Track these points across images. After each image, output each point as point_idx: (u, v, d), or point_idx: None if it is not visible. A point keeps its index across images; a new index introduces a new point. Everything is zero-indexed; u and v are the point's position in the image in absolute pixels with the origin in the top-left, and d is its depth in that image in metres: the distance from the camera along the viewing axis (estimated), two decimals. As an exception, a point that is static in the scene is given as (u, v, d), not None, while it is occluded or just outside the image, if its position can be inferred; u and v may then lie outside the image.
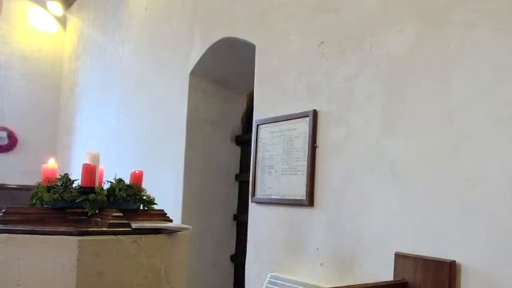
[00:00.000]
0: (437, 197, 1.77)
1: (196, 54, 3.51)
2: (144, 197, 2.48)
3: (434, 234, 1.77)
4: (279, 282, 2.43)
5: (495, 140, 1.61)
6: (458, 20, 1.79)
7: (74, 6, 6.46)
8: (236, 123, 3.81)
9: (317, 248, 2.31)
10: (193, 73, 3.57)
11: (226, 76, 3.65)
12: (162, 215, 2.51)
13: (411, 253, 1.80)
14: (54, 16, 6.58)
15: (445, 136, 1.77)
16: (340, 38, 2.31)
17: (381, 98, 2.05)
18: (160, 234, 2.25)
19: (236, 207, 3.77)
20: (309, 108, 2.43)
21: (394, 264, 1.84)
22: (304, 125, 2.47)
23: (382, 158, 2.01)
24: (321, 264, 2.27)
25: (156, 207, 2.54)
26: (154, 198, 2.53)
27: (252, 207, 2.83)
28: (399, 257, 1.83)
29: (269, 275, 2.52)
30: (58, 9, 6.48)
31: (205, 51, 3.41)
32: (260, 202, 2.77)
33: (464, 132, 1.71)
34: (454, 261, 1.65)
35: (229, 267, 3.73)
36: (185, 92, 3.60)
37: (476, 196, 1.64)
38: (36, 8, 6.46)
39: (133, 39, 4.60)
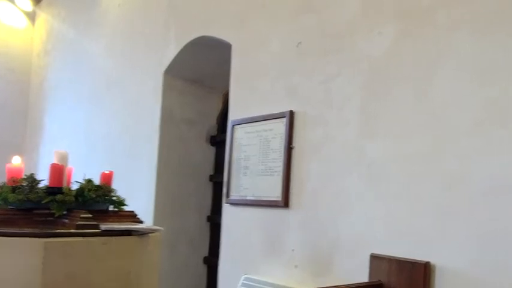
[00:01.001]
0: (414, 198, 1.78)
1: (171, 52, 3.45)
2: (114, 198, 2.42)
3: (410, 236, 1.77)
4: (253, 284, 2.40)
5: (474, 142, 1.62)
6: (438, 23, 1.79)
7: (44, 1, 6.29)
8: (211, 123, 3.76)
9: (292, 250, 2.28)
10: (167, 72, 3.51)
11: (201, 75, 3.60)
12: (133, 216, 2.45)
13: (387, 254, 1.80)
14: (23, 11, 6.38)
15: (424, 138, 1.78)
16: (319, 38, 2.30)
17: (360, 99, 2.05)
18: (131, 236, 2.19)
19: (210, 208, 3.72)
20: (285, 108, 2.41)
21: (370, 265, 1.83)
22: (280, 125, 2.45)
23: (360, 159, 2.01)
24: (296, 266, 2.25)
25: (127, 208, 2.47)
26: (124, 199, 2.46)
27: (226, 208, 2.79)
28: (374, 259, 1.83)
29: (243, 277, 2.49)
30: (27, 4, 6.28)
31: (181, 50, 3.35)
32: (235, 203, 2.73)
33: (443, 134, 1.72)
34: (429, 262, 1.66)
35: (203, 270, 3.68)
36: (159, 91, 3.53)
37: (453, 198, 1.65)
38: (4, 2, 6.26)
39: (106, 36, 4.49)
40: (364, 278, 1.85)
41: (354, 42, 2.10)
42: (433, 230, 1.69)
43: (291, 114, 2.38)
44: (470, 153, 1.62)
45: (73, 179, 2.44)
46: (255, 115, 2.63)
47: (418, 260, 1.68)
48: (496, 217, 1.53)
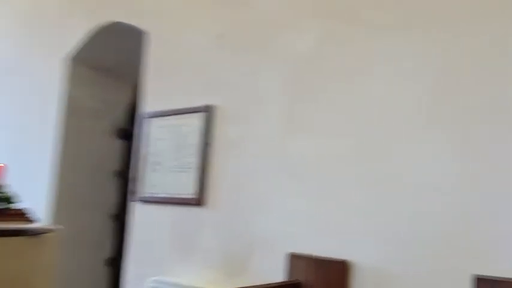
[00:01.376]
0: (333, 197, 1.79)
1: (77, 37, 3.19)
2: (5, 194, 2.18)
3: (328, 234, 1.78)
4: (163, 286, 2.27)
5: (398, 142, 1.66)
6: (365, 22, 1.82)
7: None
8: (120, 115, 3.54)
9: (207, 249, 2.20)
10: (73, 58, 3.25)
11: (111, 64, 3.37)
12: (22, 215, 2.24)
13: (305, 253, 1.78)
14: None
15: (345, 137, 1.80)
16: (241, 31, 2.24)
17: (283, 96, 2.02)
18: (23, 236, 2.04)
19: (116, 206, 3.50)
20: (203, 103, 2.32)
21: (288, 264, 1.81)
22: (197, 120, 2.35)
23: (282, 157, 1.98)
24: (210, 266, 2.17)
25: (22, 205, 2.24)
26: (14, 196, 2.23)
27: (134, 206, 2.63)
28: (292, 258, 1.81)
29: (151, 280, 2.35)
30: None
31: (88, 36, 3.11)
32: (144, 201, 2.58)
33: (367, 133, 1.74)
34: (347, 260, 1.67)
35: (105, 272, 3.45)
36: (63, 78, 3.26)
37: (371, 197, 1.68)
38: None
39: (4, 16, 4.05)
40: (282, 277, 1.82)
41: (279, 37, 2.08)
42: (351, 228, 1.71)
43: (210, 108, 2.30)
44: (390, 153, 1.66)
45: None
46: (169, 108, 2.51)
47: (336, 258, 1.69)
48: (412, 216, 1.58)
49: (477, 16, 1.56)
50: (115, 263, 3.33)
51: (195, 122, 2.37)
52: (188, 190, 2.34)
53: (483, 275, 1.34)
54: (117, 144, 3.53)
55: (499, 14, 1.51)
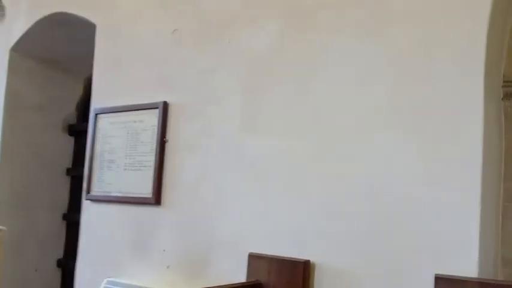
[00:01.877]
0: (295, 197, 1.78)
1: (20, 27, 3.01)
2: None
3: (290, 235, 1.77)
4: (117, 288, 2.21)
5: (356, 142, 1.67)
6: (321, 23, 1.81)
7: None
8: (70, 111, 3.39)
9: (163, 250, 2.15)
10: (15, 50, 3.07)
11: (58, 56, 3.21)
12: None
13: (266, 254, 1.77)
14: None
15: (305, 137, 1.78)
16: (198, 27, 2.18)
17: (241, 93, 1.99)
18: None
19: (67, 205, 3.36)
20: (159, 99, 2.25)
21: (248, 265, 1.80)
22: (153, 117, 2.28)
23: (240, 156, 1.95)
24: (168, 267, 2.12)
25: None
26: None
27: (87, 205, 2.55)
28: (253, 258, 1.79)
29: (105, 281, 2.28)
30: None
31: (33, 26, 2.95)
32: (97, 200, 2.50)
33: (325, 134, 1.74)
34: (309, 260, 1.68)
35: (56, 274, 3.32)
36: (4, 71, 3.08)
37: (333, 197, 1.68)
38: None
39: None
40: (242, 278, 1.80)
41: (236, 34, 2.03)
42: (312, 228, 1.71)
43: (166, 105, 2.23)
44: (351, 153, 1.67)
45: None
46: (123, 104, 2.42)
47: (297, 259, 1.68)
48: (372, 216, 1.59)
49: (431, 16, 1.57)
50: (67, 264, 3.20)
51: (150, 118, 2.30)
52: (144, 189, 2.27)
53: (443, 274, 1.37)
54: (69, 141, 3.38)
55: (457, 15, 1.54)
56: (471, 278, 1.36)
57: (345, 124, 1.70)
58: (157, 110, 2.26)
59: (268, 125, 1.90)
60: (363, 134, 1.66)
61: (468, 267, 1.38)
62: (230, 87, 2.02)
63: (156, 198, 2.21)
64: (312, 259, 1.68)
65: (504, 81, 1.62)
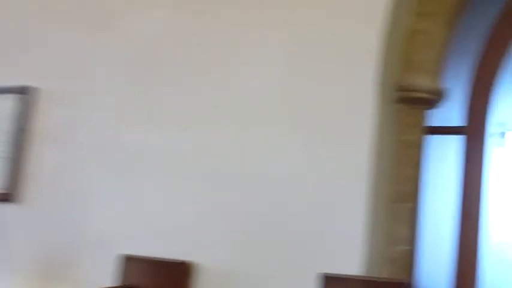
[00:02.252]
0: (174, 197, 1.71)
1: None
2: None
3: (166, 234, 1.70)
4: (-44, 298, 1.89)
5: (238, 141, 1.65)
6: (192, 14, 1.76)
7: None
8: None
9: (18, 253, 1.90)
10: None
11: None
12: None
13: (140, 255, 1.66)
14: None
15: (188, 132, 1.73)
16: (75, 8, 1.97)
17: (121, 82, 1.86)
18: None
19: None
20: (20, 83, 2.00)
21: (120, 267, 1.67)
22: (10, 102, 2.02)
23: (115, 150, 1.82)
24: (22, 273, 1.88)
25: None
26: None
27: None
28: (126, 260, 1.67)
29: None
30: None
31: None
32: None
33: (206, 131, 1.70)
34: (188, 261, 1.61)
35: None
36: None
37: (213, 196, 1.65)
38: None
39: None
40: (112, 282, 1.66)
41: (119, 21, 1.89)
42: (195, 228, 1.66)
43: (27, 90, 1.99)
44: (234, 150, 1.65)
45: None
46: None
47: (175, 260, 1.61)
48: (257, 216, 1.59)
49: (321, 16, 1.62)
50: None
51: (8, 104, 2.02)
52: (-3, 183, 1.99)
53: (330, 273, 1.40)
54: None
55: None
56: (355, 276, 1.41)
57: (230, 122, 1.68)
58: (17, 95, 2.00)
59: (148, 118, 1.79)
60: (248, 132, 1.65)
61: (352, 266, 1.44)
62: (108, 76, 1.88)
63: (12, 195, 1.96)
64: (192, 260, 1.61)
65: (398, 86, 1.66)
